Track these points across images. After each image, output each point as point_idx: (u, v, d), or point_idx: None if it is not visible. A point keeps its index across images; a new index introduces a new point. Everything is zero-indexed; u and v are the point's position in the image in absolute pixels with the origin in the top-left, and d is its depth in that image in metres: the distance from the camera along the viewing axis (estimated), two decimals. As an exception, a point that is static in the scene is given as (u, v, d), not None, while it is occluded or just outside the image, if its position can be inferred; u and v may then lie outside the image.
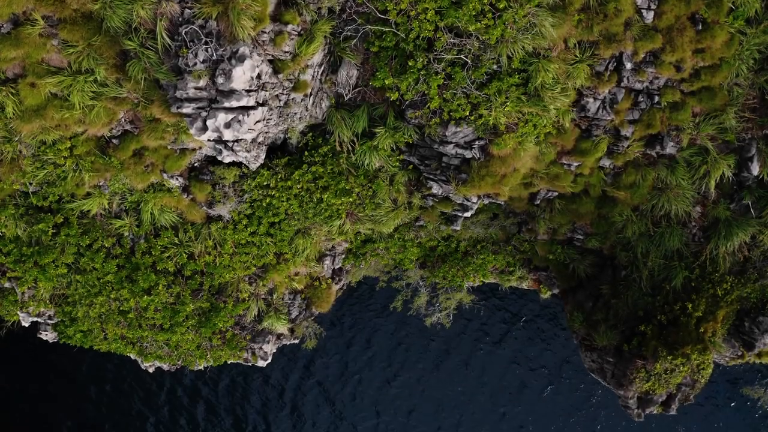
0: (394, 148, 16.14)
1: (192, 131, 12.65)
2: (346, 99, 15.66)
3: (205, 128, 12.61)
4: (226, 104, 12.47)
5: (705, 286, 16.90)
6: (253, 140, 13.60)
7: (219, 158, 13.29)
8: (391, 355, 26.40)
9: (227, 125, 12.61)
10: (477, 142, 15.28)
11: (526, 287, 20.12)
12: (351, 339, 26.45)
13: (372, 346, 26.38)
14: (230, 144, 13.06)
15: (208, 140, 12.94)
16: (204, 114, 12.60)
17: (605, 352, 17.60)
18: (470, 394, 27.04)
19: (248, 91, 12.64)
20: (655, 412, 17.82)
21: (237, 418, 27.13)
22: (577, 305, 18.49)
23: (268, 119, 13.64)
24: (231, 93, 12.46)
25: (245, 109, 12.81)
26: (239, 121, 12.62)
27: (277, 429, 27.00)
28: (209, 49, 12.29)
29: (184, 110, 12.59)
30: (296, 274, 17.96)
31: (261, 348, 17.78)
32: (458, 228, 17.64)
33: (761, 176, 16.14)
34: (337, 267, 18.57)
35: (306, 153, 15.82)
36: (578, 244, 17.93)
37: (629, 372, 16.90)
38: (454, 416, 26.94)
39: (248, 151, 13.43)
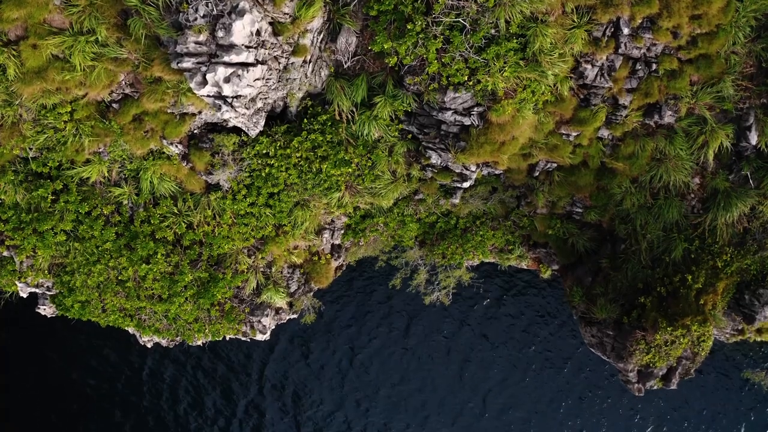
0: (393, 117, 16.20)
1: (192, 85, 12.72)
2: (345, 67, 15.76)
3: (204, 82, 12.69)
4: (226, 58, 12.56)
5: (704, 257, 16.88)
6: (253, 99, 13.66)
7: (218, 115, 13.33)
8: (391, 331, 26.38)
9: (227, 80, 12.68)
10: (476, 109, 15.34)
11: (525, 266, 20.08)
12: (349, 320, 26.45)
13: (372, 323, 26.35)
14: (230, 100, 13.12)
15: (208, 95, 13.00)
16: (204, 69, 12.69)
17: (605, 326, 17.53)
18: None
19: (248, 47, 12.72)
20: (655, 387, 17.71)
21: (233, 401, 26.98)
22: (576, 281, 18.44)
23: (268, 79, 13.71)
24: (231, 47, 12.55)
25: (245, 65, 12.88)
26: (239, 75, 12.69)
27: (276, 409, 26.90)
28: (209, 4, 12.40)
29: (184, 64, 12.68)
30: (295, 247, 17.95)
31: (260, 321, 17.72)
32: (457, 201, 17.65)
33: (759, 146, 16.18)
34: (336, 243, 18.55)
35: (305, 120, 15.88)
36: (577, 218, 17.93)
37: (629, 344, 16.82)
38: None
39: (248, 108, 13.48)
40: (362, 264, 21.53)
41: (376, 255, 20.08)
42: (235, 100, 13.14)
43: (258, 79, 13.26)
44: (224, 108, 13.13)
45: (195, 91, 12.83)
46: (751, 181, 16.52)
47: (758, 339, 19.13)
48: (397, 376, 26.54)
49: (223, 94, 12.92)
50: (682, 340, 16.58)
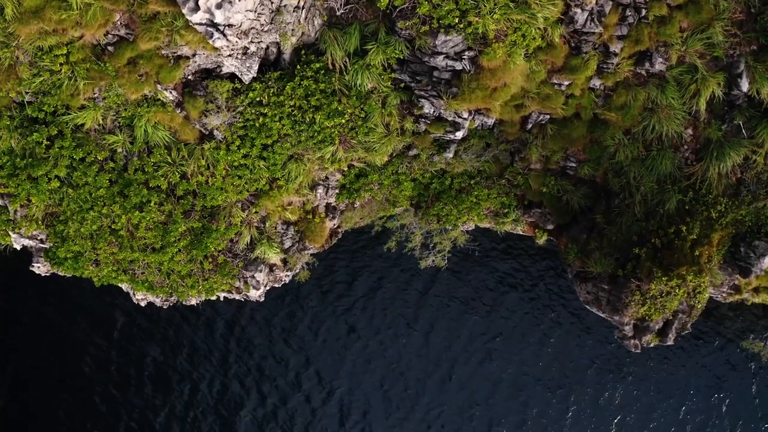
0: (386, 66, 16.34)
1: (184, 11, 12.92)
2: (338, 15, 15.96)
3: (197, 8, 12.89)
4: (218, -16, 12.79)
5: (699, 208, 16.83)
6: (245, 32, 13.83)
7: (210, 42, 13.49)
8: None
9: (218, 5, 12.88)
10: (467, 53, 15.48)
11: (521, 232, 20.02)
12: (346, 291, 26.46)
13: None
14: (221, 27, 13.29)
15: (200, 23, 13.18)
16: (196, -5, 12.90)
17: (600, 280, 17.41)
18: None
19: (239, -25, 12.94)
20: (652, 344, 17.52)
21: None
22: (571, 239, 18.37)
23: (260, 14, 13.90)
24: (222, -27, 12.78)
25: (236, -6, 13.10)
26: (230, 2, 12.89)
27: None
28: (202, -69, 12.65)
29: (177, -9, 12.90)
30: (289, 203, 17.97)
31: (253, 276, 17.67)
32: (451, 155, 17.68)
33: (751, 93, 16.23)
34: (330, 202, 18.55)
35: (298, 67, 16.04)
36: (571, 173, 17.94)
37: (624, 295, 16.68)
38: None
39: (240, 39, 13.64)
40: (357, 231, 21.53)
41: (372, 221, 20.06)
42: (227, 28, 13.32)
43: (249, 11, 13.45)
44: (216, 35, 13.30)
45: (187, 17, 13.03)
46: (744, 131, 16.55)
47: (756, 301, 18.98)
48: (377, 342, 26.47)
49: (215, 21, 13.10)
50: (677, 291, 16.44)
